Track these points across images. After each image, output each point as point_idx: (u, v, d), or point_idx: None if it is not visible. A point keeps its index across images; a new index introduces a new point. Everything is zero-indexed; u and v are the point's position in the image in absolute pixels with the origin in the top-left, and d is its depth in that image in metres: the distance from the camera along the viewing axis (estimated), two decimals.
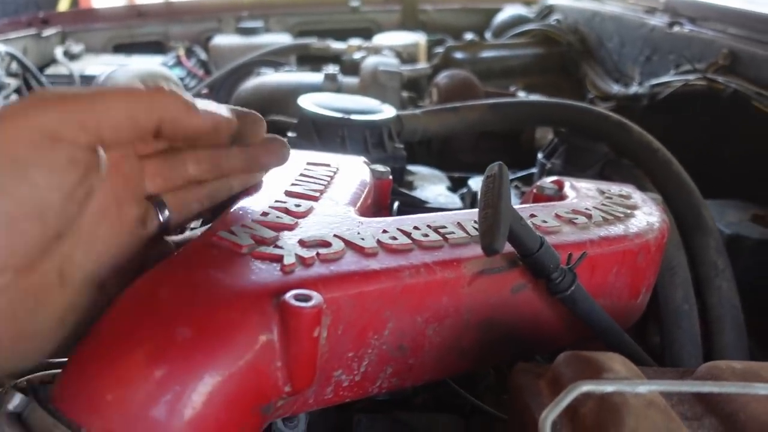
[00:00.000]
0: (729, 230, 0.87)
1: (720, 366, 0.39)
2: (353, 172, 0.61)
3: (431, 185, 0.90)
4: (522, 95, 1.36)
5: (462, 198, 0.92)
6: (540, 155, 0.94)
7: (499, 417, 0.53)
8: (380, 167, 0.65)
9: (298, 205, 0.48)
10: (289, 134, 0.84)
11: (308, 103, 0.85)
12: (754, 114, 0.95)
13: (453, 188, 0.96)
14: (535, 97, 1.34)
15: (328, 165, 0.60)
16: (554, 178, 0.68)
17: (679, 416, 0.35)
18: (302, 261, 0.40)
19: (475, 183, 0.93)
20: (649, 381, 0.35)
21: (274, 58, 1.76)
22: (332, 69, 1.35)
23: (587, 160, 0.86)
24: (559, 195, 0.65)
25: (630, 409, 0.33)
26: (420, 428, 0.56)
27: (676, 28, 1.29)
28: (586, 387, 0.33)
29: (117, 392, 0.32)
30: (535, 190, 0.67)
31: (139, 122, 0.36)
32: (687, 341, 0.64)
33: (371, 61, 1.35)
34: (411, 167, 0.96)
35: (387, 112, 0.87)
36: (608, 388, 0.34)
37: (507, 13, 2.08)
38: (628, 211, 0.59)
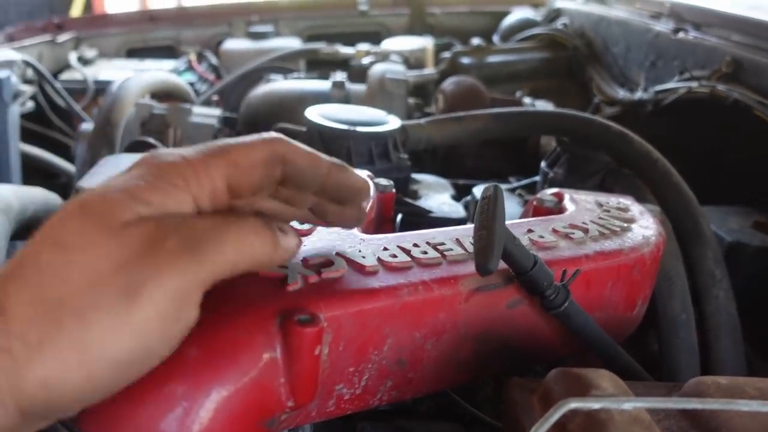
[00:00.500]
0: (730, 237, 0.88)
1: (706, 382, 0.40)
2: None
3: (435, 194, 0.92)
4: (527, 101, 1.38)
5: (466, 206, 0.93)
6: (543, 164, 0.95)
7: (497, 427, 0.55)
8: (384, 181, 0.67)
9: (302, 223, 0.50)
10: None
11: (315, 114, 0.87)
12: (757, 122, 0.96)
13: (458, 196, 0.97)
14: (540, 105, 1.35)
15: None
16: (554, 190, 0.70)
17: (665, 431, 0.37)
18: (305, 280, 0.42)
19: (479, 191, 0.94)
20: (634, 398, 0.36)
21: (283, 64, 1.78)
22: (340, 76, 1.37)
23: (589, 170, 0.88)
24: (558, 208, 0.66)
25: (615, 425, 0.34)
26: None
27: (681, 35, 1.30)
28: (574, 404, 0.35)
29: (129, 408, 0.34)
30: (535, 203, 0.68)
31: (238, 267, 0.37)
32: (684, 350, 0.66)
33: (378, 68, 1.36)
34: (416, 175, 0.98)
35: (392, 123, 0.88)
36: (595, 405, 0.35)
37: (515, 16, 2.09)
38: (625, 225, 0.60)
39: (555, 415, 0.35)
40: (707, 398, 0.38)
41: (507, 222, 0.57)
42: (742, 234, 0.89)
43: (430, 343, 0.46)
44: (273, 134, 0.39)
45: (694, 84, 1.12)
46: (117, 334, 0.31)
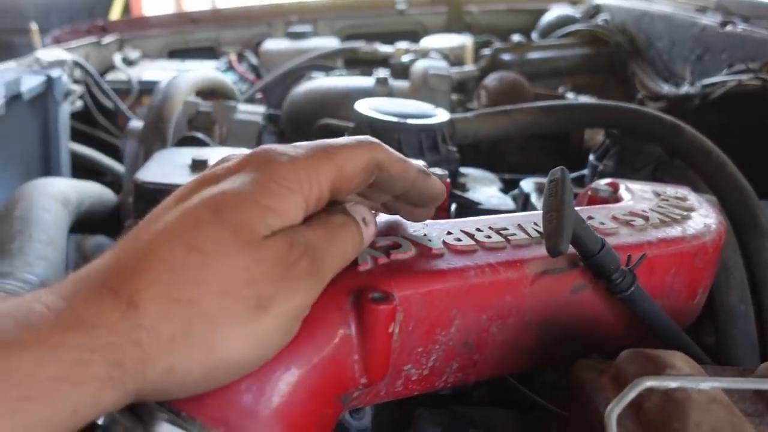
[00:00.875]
0: None
1: None
2: None
3: (483, 187, 0.92)
4: (571, 96, 1.37)
5: (514, 199, 0.93)
6: (592, 157, 0.95)
7: (556, 413, 0.55)
8: (439, 170, 0.67)
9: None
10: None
11: (365, 107, 0.88)
12: None
13: (504, 190, 0.97)
14: (586, 99, 1.34)
15: None
16: (609, 180, 0.69)
17: (741, 413, 0.37)
18: (375, 261, 0.42)
19: (527, 185, 0.94)
20: (711, 378, 0.36)
21: (323, 62, 1.80)
22: (383, 73, 1.38)
23: (640, 162, 0.87)
24: (614, 197, 0.66)
25: (693, 404, 0.34)
26: (478, 422, 0.58)
27: (729, 28, 1.28)
28: (650, 382, 0.35)
29: None
30: (590, 192, 0.68)
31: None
32: (743, 341, 0.65)
33: (421, 64, 1.37)
34: (462, 169, 0.98)
35: (441, 116, 0.89)
36: (672, 384, 0.35)
37: (554, 13, 2.08)
38: (685, 213, 0.60)
39: (631, 393, 0.35)
40: None
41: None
42: None
43: (496, 326, 0.46)
44: (371, 139, 0.40)
45: (744, 77, 1.11)
46: (241, 341, 0.33)
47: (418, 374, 0.44)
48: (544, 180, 0.99)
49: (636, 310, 0.48)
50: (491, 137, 0.97)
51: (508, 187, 1.00)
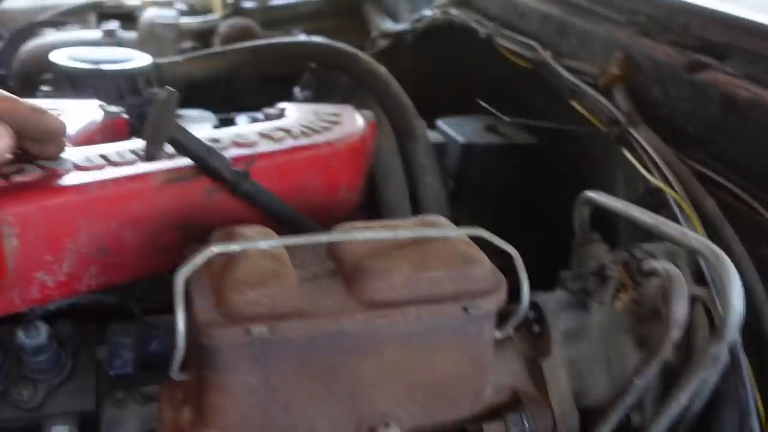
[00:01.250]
0: (464, 139, 1.02)
1: (345, 226, 0.50)
2: (79, 114, 0.68)
3: (196, 125, 0.97)
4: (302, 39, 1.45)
5: None
6: (296, 89, 1.04)
7: None
8: (114, 108, 0.72)
9: None
10: (43, 88, 0.88)
11: (60, 57, 0.89)
12: (480, 41, 1.10)
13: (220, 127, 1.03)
14: (297, 38, 1.42)
15: (55, 109, 0.66)
16: (282, 104, 0.79)
17: (304, 264, 0.47)
18: None
19: (242, 121, 1.01)
20: (268, 240, 0.46)
21: (64, 19, 1.72)
22: (112, 25, 1.37)
23: (332, 90, 0.97)
24: (282, 117, 0.75)
25: (243, 257, 0.43)
26: (162, 327, 0.65)
27: None
28: (216, 248, 0.44)
29: None
30: (263, 116, 0.77)
31: None
32: None
33: (149, 14, 1.37)
34: (183, 111, 1.03)
35: (140, 60, 0.92)
36: (233, 247, 0.44)
37: None
38: (327, 126, 0.70)
39: (198, 259, 0.43)
40: (330, 234, 0.48)
41: (231, 130, 0.65)
42: (473, 136, 1.03)
43: (129, 231, 0.53)
44: None
45: (436, 12, 1.25)
46: None
47: (55, 280, 0.50)
48: (258, 115, 1.07)
49: (257, 203, 0.57)
50: (204, 79, 1.03)
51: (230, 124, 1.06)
